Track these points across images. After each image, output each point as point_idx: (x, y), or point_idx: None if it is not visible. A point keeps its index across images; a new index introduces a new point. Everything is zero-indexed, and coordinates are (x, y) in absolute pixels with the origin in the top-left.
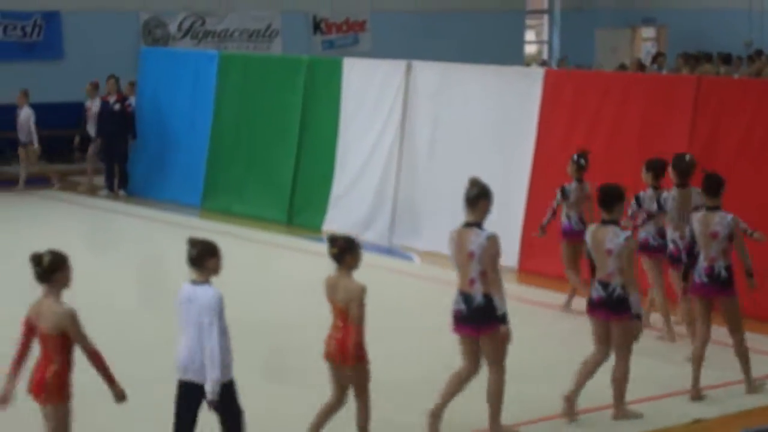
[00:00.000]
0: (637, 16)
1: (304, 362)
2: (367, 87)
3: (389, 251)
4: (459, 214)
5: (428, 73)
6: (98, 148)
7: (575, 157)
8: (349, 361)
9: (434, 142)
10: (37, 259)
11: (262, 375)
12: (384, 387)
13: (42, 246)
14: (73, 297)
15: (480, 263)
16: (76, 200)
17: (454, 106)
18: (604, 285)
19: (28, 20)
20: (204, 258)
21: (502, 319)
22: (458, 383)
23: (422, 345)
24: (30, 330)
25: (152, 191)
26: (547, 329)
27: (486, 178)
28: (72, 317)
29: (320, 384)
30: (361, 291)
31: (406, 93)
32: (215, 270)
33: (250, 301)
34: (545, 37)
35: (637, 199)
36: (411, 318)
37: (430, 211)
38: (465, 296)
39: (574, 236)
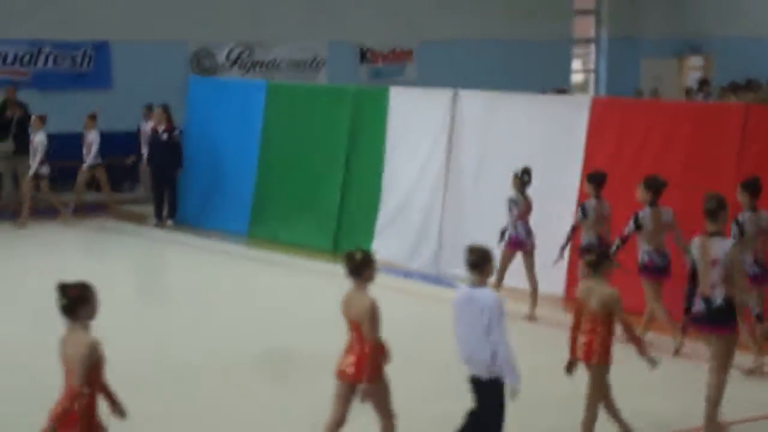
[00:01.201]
0: (684, 45)
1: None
2: (414, 116)
3: (436, 280)
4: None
5: (474, 101)
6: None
7: (519, 173)
8: (592, 360)
9: (480, 170)
10: (350, 256)
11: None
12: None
13: (87, 276)
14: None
15: (723, 268)
16: (125, 229)
17: (501, 134)
18: None
19: (77, 50)
20: (483, 263)
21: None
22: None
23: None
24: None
25: (200, 220)
26: None
27: (532, 206)
28: (373, 310)
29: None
30: (614, 298)
31: (453, 121)
32: (490, 273)
33: (297, 329)
34: (592, 65)
35: (583, 208)
36: None
37: (477, 240)
38: (705, 299)
39: (521, 246)
